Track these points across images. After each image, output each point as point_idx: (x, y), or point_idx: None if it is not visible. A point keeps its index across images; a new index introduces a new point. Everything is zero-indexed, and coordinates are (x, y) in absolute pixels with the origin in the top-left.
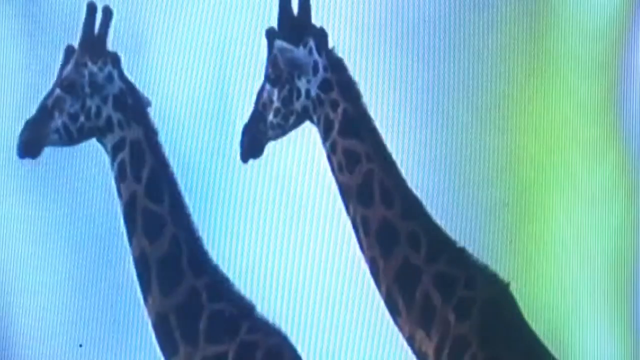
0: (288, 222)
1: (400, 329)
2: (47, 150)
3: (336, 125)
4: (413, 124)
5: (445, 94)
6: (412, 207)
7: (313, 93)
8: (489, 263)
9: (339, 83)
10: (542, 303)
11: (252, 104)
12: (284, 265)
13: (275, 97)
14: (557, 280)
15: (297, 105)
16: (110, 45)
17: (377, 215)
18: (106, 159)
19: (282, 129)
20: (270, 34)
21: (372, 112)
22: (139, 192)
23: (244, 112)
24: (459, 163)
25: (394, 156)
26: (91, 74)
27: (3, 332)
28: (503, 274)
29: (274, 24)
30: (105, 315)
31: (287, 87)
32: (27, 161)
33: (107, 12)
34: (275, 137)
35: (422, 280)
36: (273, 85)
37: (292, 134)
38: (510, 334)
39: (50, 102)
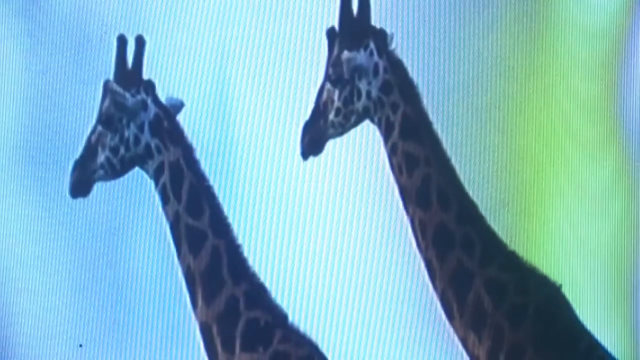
0: (288, 223)
1: (455, 330)
2: (47, 151)
3: (397, 128)
4: None
5: (445, 94)
6: (468, 210)
7: (374, 94)
8: None
9: (399, 85)
10: None
11: (252, 103)
12: (290, 269)
13: (336, 97)
14: (557, 279)
15: (358, 106)
16: (110, 43)
17: (434, 218)
18: None
19: (343, 128)
20: (331, 34)
21: None
22: (181, 211)
23: (244, 112)
24: (459, 163)
25: None
26: (123, 101)
27: (3, 332)
28: None
29: (274, 23)
30: (106, 315)
31: (347, 87)
32: (27, 161)
33: (140, 42)
34: (336, 136)
35: (474, 284)
36: (334, 85)
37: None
38: (566, 337)
39: (93, 138)
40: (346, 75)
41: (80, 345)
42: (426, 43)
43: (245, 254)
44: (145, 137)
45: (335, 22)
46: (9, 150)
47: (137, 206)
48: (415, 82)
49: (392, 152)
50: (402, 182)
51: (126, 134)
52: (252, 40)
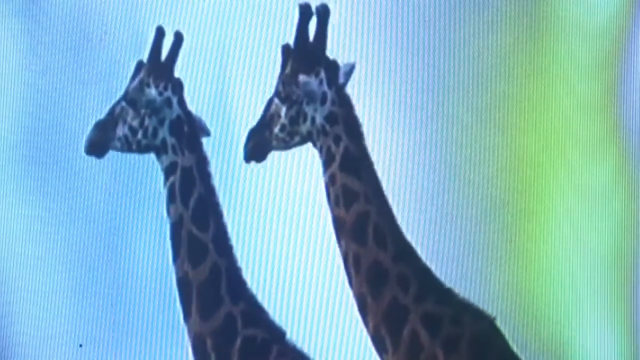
0: (287, 224)
1: None
2: (47, 150)
3: (337, 159)
4: (413, 124)
5: (445, 94)
6: (404, 250)
7: (318, 122)
8: (489, 262)
9: (344, 119)
10: (542, 302)
11: (252, 103)
12: (288, 279)
13: (282, 114)
14: (557, 280)
15: (303, 128)
16: (110, 43)
17: (369, 255)
18: (112, 158)
19: (286, 144)
20: (286, 51)
21: (372, 113)
22: (186, 217)
23: (244, 111)
24: (459, 163)
25: (392, 156)
26: (149, 98)
27: (3, 332)
28: (503, 273)
29: (275, 23)
30: (105, 316)
31: (295, 108)
32: (26, 161)
33: (178, 37)
34: (279, 149)
35: (409, 320)
36: (282, 102)
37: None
38: None
39: (117, 110)
40: (299, 97)
41: (80, 345)
42: (426, 43)
43: (245, 262)
44: (164, 132)
45: (334, 23)
46: (9, 150)
47: (137, 206)
48: (415, 82)
49: (330, 182)
50: (337, 213)
51: (146, 122)
52: (252, 40)
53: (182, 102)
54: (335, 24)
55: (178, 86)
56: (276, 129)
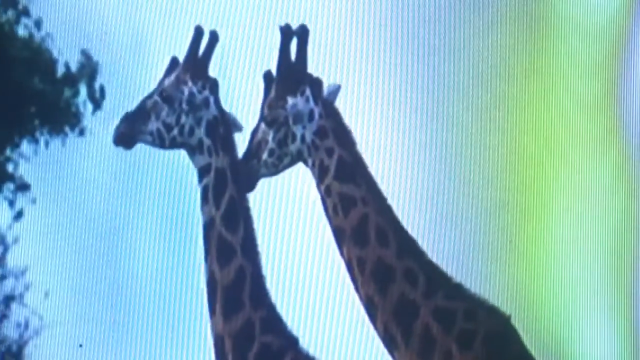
0: (287, 229)
1: None
2: (47, 150)
3: (332, 170)
4: (413, 124)
5: (445, 94)
6: (408, 246)
7: (308, 138)
8: (489, 262)
9: (334, 130)
10: (542, 302)
11: (252, 103)
12: (298, 287)
13: (270, 138)
14: (557, 279)
15: (292, 148)
16: (110, 43)
17: (372, 254)
18: (111, 159)
19: (276, 168)
20: (268, 77)
21: (372, 113)
22: (217, 218)
23: (244, 111)
24: (459, 163)
25: (393, 156)
26: (191, 94)
27: (3, 332)
28: (503, 273)
29: (275, 23)
30: (105, 316)
31: (282, 130)
32: (27, 161)
33: (214, 36)
34: (269, 175)
35: (420, 314)
36: (269, 126)
37: None
38: None
39: (149, 104)
40: (286, 118)
41: (80, 345)
42: (426, 43)
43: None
44: (201, 132)
45: (335, 23)
46: (10, 151)
47: (137, 206)
48: (415, 82)
49: (326, 194)
50: (337, 223)
51: (183, 120)
52: (252, 40)
53: (218, 102)
54: (336, 24)
55: (215, 86)
56: (264, 155)
